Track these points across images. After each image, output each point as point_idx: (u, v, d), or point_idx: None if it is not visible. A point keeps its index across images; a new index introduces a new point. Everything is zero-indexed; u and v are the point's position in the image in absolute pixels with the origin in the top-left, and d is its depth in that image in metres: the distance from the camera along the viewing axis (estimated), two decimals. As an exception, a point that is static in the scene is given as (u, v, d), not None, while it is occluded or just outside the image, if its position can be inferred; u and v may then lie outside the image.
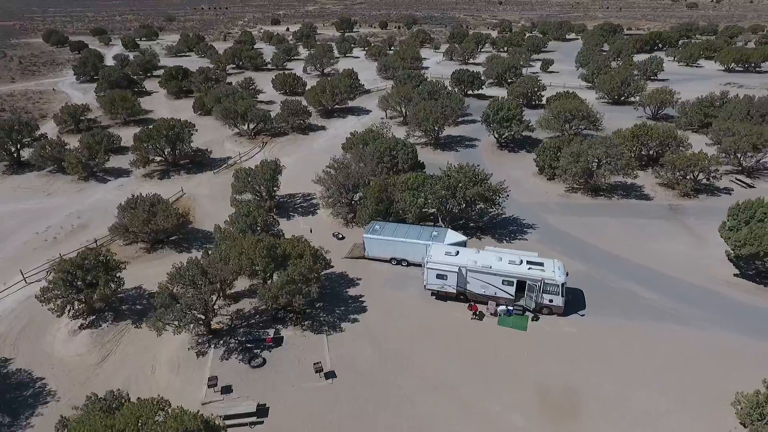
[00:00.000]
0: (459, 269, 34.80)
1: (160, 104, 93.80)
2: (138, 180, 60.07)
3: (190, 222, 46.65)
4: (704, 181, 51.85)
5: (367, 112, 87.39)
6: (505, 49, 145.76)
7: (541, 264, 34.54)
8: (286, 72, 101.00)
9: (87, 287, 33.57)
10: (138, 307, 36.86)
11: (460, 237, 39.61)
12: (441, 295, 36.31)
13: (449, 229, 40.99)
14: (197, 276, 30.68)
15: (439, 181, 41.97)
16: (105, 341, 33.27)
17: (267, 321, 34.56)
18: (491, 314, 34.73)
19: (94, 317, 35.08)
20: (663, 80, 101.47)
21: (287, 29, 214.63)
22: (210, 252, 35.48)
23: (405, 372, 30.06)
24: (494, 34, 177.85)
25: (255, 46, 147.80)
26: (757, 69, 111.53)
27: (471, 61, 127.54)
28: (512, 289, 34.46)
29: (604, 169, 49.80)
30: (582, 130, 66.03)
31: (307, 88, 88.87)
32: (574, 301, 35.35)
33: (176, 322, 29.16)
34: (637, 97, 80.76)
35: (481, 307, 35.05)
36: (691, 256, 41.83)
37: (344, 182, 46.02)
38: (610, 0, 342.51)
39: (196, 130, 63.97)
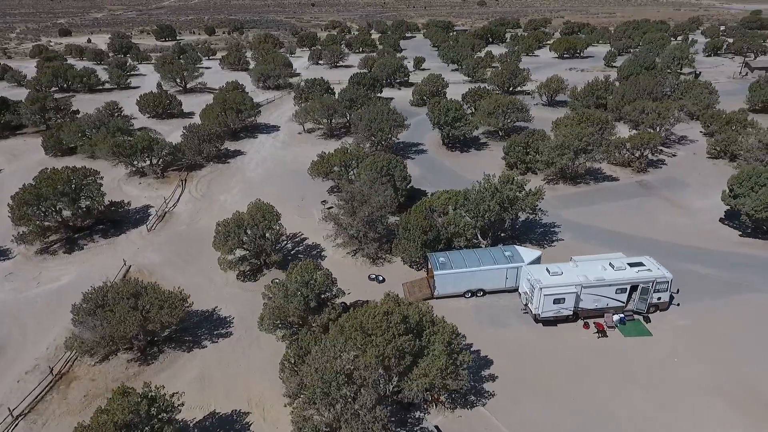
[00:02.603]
0: (575, 288, 32.00)
1: (-20, 149, 68.62)
2: (33, 260, 42.40)
3: (190, 306, 34.01)
4: (650, 156, 58.21)
5: (276, 127, 77.36)
6: (360, 49, 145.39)
7: (641, 264, 33.87)
8: (156, 91, 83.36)
9: (139, 452, 21.37)
10: (197, 450, 25.29)
11: (535, 252, 36.75)
12: (548, 321, 33.03)
13: (516, 246, 37.75)
14: (344, 386, 21.74)
15: (492, 196, 38.11)
16: None
17: (395, 411, 26.82)
18: (608, 327, 32.84)
19: (149, 492, 22.70)
20: (521, 69, 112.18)
21: (89, 40, 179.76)
22: (301, 343, 25.90)
23: (598, 418, 26.28)
24: (325, 35, 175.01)
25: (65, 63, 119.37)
26: (582, 55, 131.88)
27: (340, 63, 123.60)
28: (624, 296, 33.09)
29: (585, 158, 52.01)
30: (515, 122, 68.47)
31: (198, 108, 74.59)
32: (660, 293, 35.60)
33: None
34: (533, 86, 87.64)
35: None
36: (695, 224, 46.21)
37: (369, 216, 38.78)
38: (410, 0, 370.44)
39: (102, 178, 47.76)
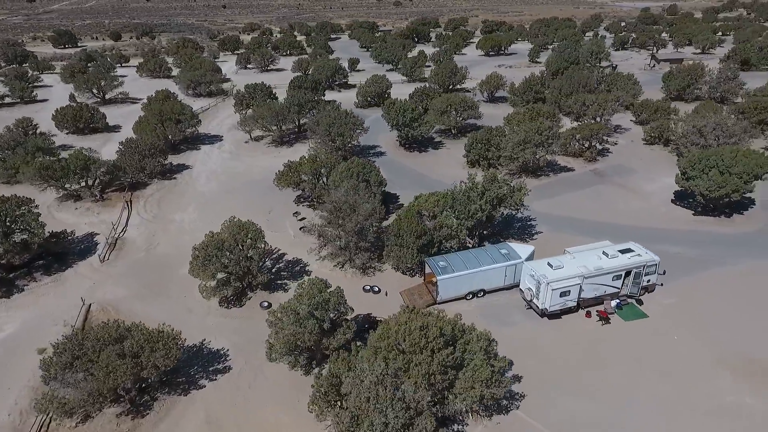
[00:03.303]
0: (579, 280, 32.70)
1: None
2: (-38, 310, 35.95)
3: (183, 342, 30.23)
4: (597, 146, 61.56)
5: (218, 137, 72.58)
6: (288, 52, 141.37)
7: (630, 250, 35.34)
8: (72, 104, 74.79)
9: None
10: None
11: (528, 248, 37.10)
12: (554, 314, 33.47)
13: (509, 243, 38.00)
14: (402, 413, 20.18)
15: (481, 196, 38.01)
16: None
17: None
18: (608, 313, 33.91)
19: None
20: (459, 68, 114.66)
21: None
22: (333, 370, 23.85)
23: (626, 404, 26.93)
24: (248, 38, 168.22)
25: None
26: (506, 52, 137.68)
27: (271, 67, 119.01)
28: (620, 282, 34.36)
29: (545, 151, 53.85)
30: (466, 120, 69.60)
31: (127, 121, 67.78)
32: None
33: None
34: (472, 84, 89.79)
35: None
36: (651, 207, 49.39)
37: (359, 225, 37.09)
38: (325, 1, 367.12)
39: (37, 206, 41.71)
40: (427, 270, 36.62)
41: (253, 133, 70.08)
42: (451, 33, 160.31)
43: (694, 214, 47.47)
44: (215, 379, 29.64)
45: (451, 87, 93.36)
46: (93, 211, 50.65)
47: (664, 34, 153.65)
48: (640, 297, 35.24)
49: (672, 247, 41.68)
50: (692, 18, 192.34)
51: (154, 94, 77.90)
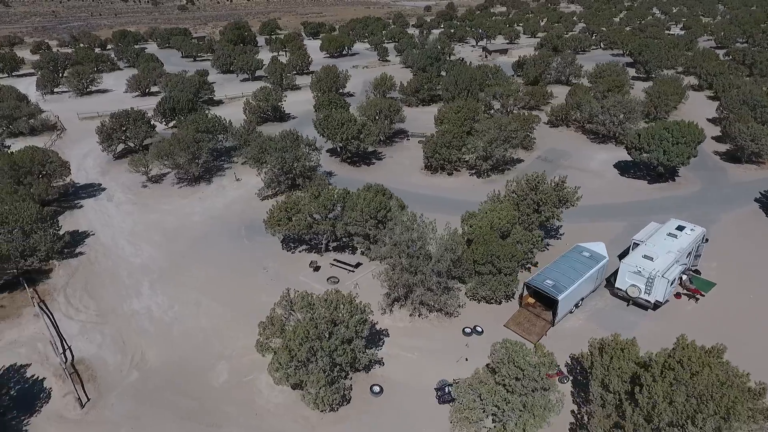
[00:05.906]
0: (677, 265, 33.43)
1: None
2: None
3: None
4: (529, 135, 64.91)
5: (95, 185, 54.60)
6: (96, 68, 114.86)
7: (683, 226, 37.49)
8: None
9: None
10: None
11: (601, 245, 36.35)
12: (659, 305, 33.61)
13: (581, 244, 36.68)
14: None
15: (544, 202, 35.87)
16: None
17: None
18: (688, 289, 35.59)
19: None
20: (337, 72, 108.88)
21: None
22: None
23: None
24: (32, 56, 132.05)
25: None
26: (350, 52, 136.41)
27: (92, 88, 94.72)
28: (689, 258, 36.31)
29: (508, 146, 54.42)
30: (395, 123, 66.49)
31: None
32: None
33: None
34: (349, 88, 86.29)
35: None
36: (611, 182, 54.02)
37: (448, 260, 31.33)
38: (90, 7, 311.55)
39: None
40: (525, 292, 33.26)
41: (149, 173, 54.44)
42: (282, 37, 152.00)
43: (648, 183, 53.58)
44: None
45: (337, 92, 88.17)
46: (-18, 332, 32.45)
47: (469, 28, 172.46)
48: (698, 268, 37.99)
49: (664, 215, 46.02)
50: (475, 13, 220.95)
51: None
